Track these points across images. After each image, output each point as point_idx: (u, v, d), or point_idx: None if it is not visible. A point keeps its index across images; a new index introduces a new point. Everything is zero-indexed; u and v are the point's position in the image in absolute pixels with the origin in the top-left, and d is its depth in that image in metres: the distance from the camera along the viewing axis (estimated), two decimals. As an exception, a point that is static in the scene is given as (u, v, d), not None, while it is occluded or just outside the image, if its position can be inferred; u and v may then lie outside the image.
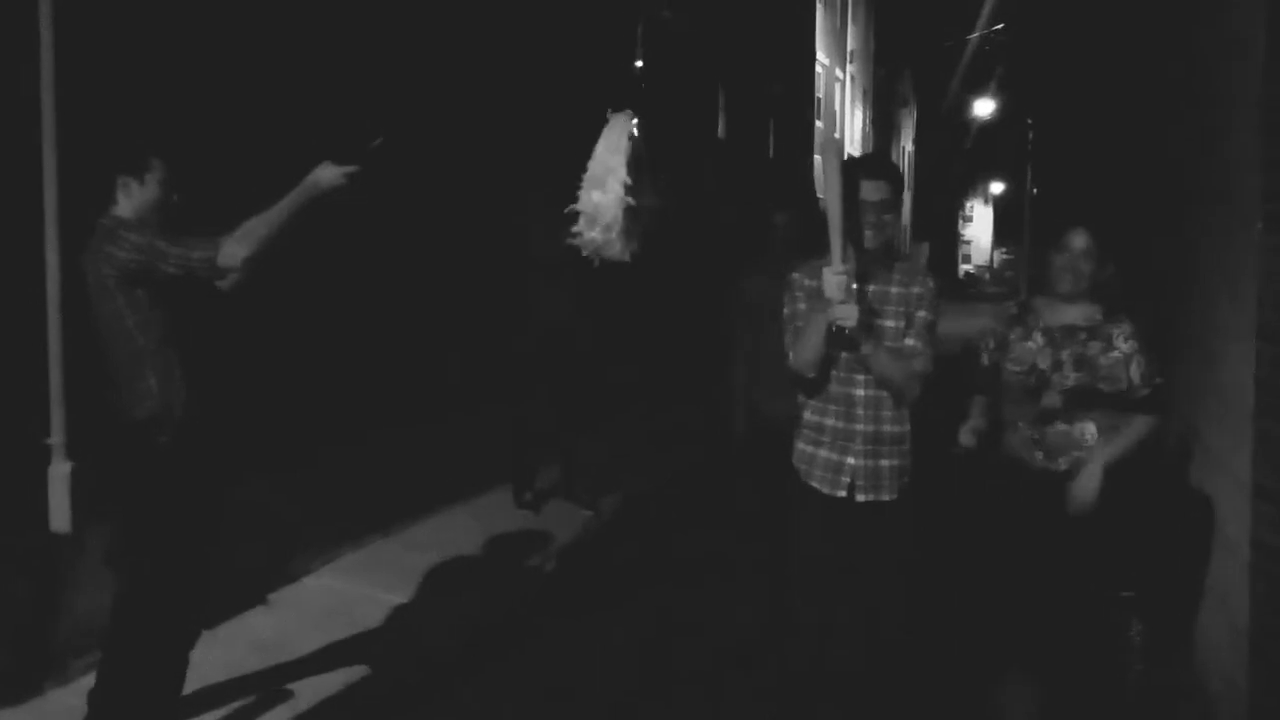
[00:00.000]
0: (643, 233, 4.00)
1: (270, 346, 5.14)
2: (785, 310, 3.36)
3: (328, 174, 3.16)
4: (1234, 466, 3.66)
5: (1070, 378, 3.43)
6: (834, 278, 3.02)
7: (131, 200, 3.31)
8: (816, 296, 3.16)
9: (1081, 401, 3.43)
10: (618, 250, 3.94)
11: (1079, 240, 3.48)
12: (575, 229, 3.94)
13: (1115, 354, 3.43)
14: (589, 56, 9.12)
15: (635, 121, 3.86)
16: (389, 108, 6.07)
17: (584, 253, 3.97)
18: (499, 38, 7.53)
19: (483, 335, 7.13)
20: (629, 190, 3.82)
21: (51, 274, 3.95)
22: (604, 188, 3.80)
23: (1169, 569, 4.82)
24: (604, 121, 3.93)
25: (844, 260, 3.03)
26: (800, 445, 3.42)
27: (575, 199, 3.94)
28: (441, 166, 6.71)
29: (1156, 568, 5.14)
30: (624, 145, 3.82)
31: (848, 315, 3.03)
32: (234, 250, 3.11)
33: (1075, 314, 3.50)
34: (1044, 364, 3.47)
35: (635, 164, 3.91)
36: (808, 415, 3.39)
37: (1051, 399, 3.44)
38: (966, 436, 3.69)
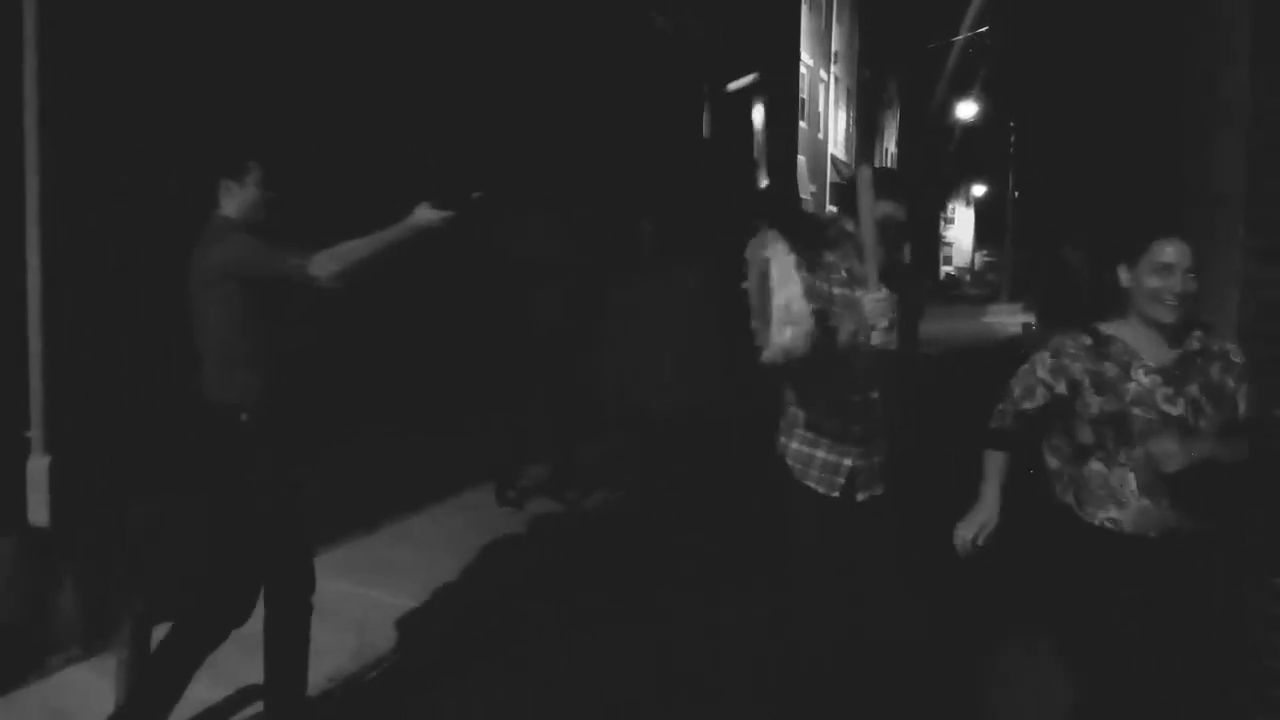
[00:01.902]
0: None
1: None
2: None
3: (426, 215, 3.36)
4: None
5: (1213, 416, 2.84)
6: (876, 304, 3.02)
7: (234, 201, 3.50)
8: (848, 305, 3.18)
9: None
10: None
11: (1182, 254, 2.86)
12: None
13: (1234, 373, 2.90)
14: (582, 56, 9.13)
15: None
16: (402, 115, 6.06)
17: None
18: (494, 38, 7.52)
19: (469, 333, 7.13)
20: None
21: (32, 269, 3.93)
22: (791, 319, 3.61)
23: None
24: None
25: (878, 283, 3.05)
26: (795, 445, 3.40)
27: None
28: (436, 166, 6.69)
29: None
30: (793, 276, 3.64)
31: (887, 341, 3.05)
32: (326, 264, 3.28)
33: (1176, 339, 2.91)
34: (1175, 408, 2.83)
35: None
36: (802, 415, 3.38)
37: (1200, 447, 2.75)
38: (973, 533, 3.08)
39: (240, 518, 3.46)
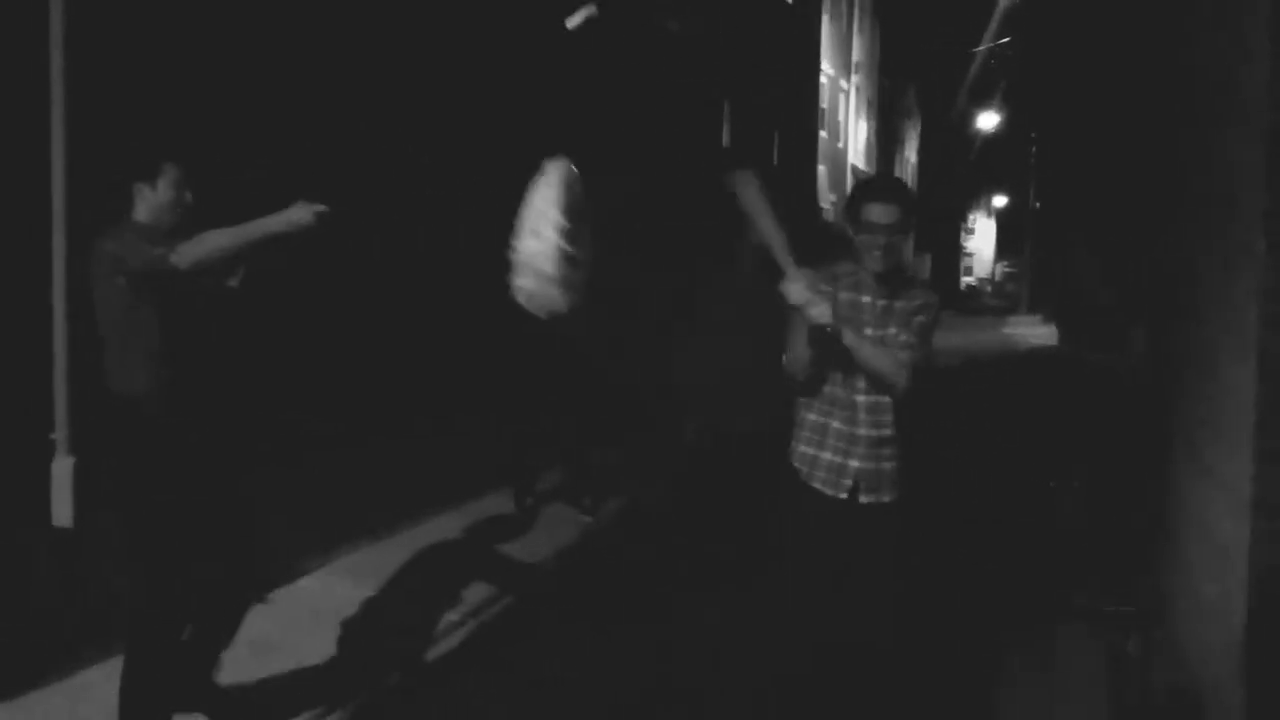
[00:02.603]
0: (584, 283, 3.92)
1: (270, 347, 5.15)
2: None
3: (298, 213, 3.27)
4: (1231, 482, 3.68)
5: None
6: (793, 286, 3.08)
7: (146, 204, 3.46)
8: (848, 307, 3.25)
9: None
10: (555, 300, 3.87)
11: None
12: (512, 280, 3.86)
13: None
14: (606, 69, 9.16)
15: (571, 169, 3.81)
16: (389, 115, 6.10)
17: (519, 300, 3.89)
18: (495, 37, 7.56)
19: (486, 338, 7.15)
20: (566, 237, 3.76)
21: (58, 273, 3.98)
22: (539, 236, 3.74)
23: (1167, 580, 4.83)
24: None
25: (794, 267, 3.10)
26: (801, 447, 3.42)
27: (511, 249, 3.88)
28: (445, 169, 6.73)
29: (1154, 579, 5.15)
30: (560, 194, 3.77)
31: (822, 312, 3.07)
32: (186, 253, 3.25)
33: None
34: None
35: (574, 212, 3.85)
36: (810, 417, 3.40)
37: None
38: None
39: (142, 508, 3.43)
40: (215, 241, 3.28)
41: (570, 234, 3.79)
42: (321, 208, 3.26)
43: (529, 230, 3.74)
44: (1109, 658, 4.55)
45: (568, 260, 3.79)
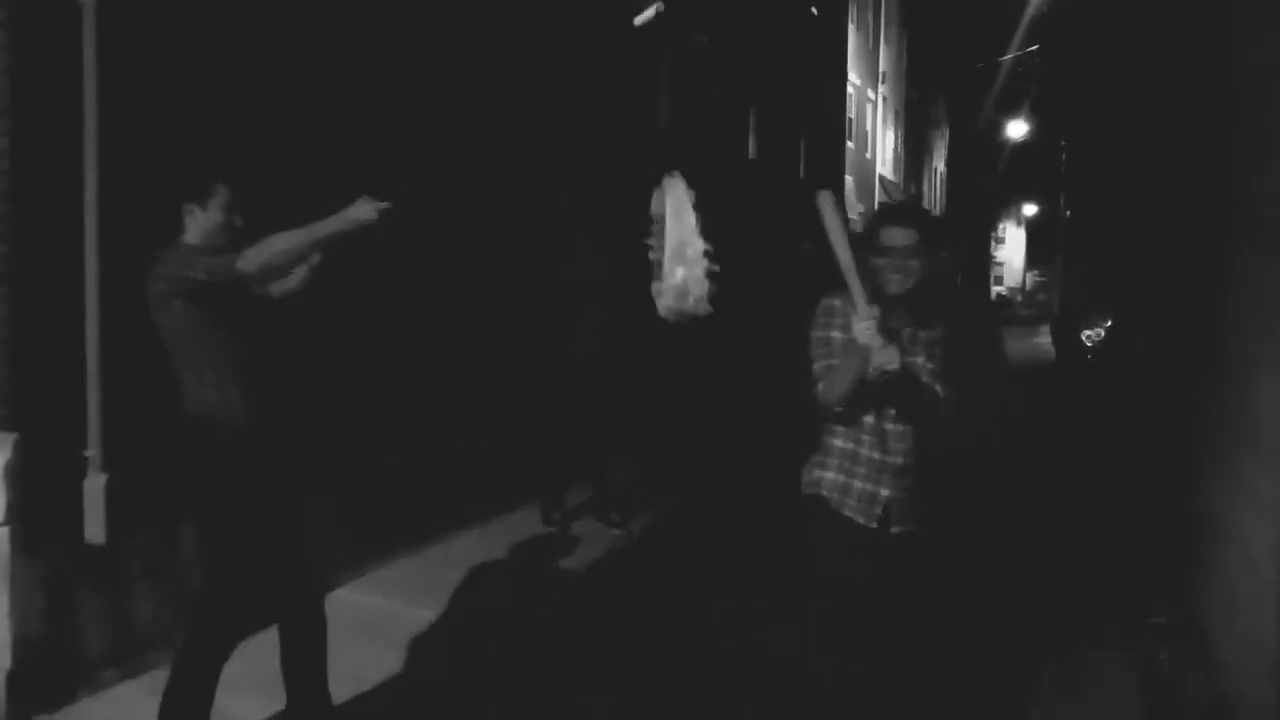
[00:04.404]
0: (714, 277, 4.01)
1: (303, 361, 5.19)
2: (818, 335, 3.29)
3: (363, 210, 3.28)
4: (1265, 494, 3.63)
5: None
6: (863, 325, 2.98)
7: (197, 225, 3.49)
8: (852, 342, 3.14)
9: None
10: (702, 308, 3.95)
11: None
12: (664, 303, 3.94)
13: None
14: (632, 79, 9.19)
15: (682, 180, 3.85)
16: (441, 130, 6.14)
17: (670, 320, 3.97)
18: (532, 50, 7.59)
19: (516, 353, 7.17)
20: (708, 257, 3.83)
21: (90, 288, 4.02)
22: (686, 262, 3.80)
23: (1201, 594, 4.77)
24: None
25: (865, 304, 3.01)
26: (830, 474, 3.33)
27: (655, 273, 3.94)
28: (484, 185, 6.76)
29: (1186, 593, 5.09)
30: (691, 215, 3.80)
31: (890, 359, 2.99)
32: (253, 257, 3.28)
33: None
34: None
35: (699, 228, 3.92)
36: (839, 444, 3.32)
37: None
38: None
39: (218, 532, 3.48)
40: (281, 244, 3.30)
41: (711, 253, 3.87)
42: (384, 205, 3.28)
43: (675, 256, 3.80)
44: (1143, 671, 4.50)
45: (712, 277, 3.89)
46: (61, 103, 3.97)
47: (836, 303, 3.27)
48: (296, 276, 3.81)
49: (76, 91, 3.99)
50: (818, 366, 3.25)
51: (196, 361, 3.40)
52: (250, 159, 4.61)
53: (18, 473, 3.85)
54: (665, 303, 3.83)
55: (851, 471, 3.29)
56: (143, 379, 4.25)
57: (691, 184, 4.09)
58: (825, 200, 3.10)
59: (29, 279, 3.92)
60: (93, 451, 4.06)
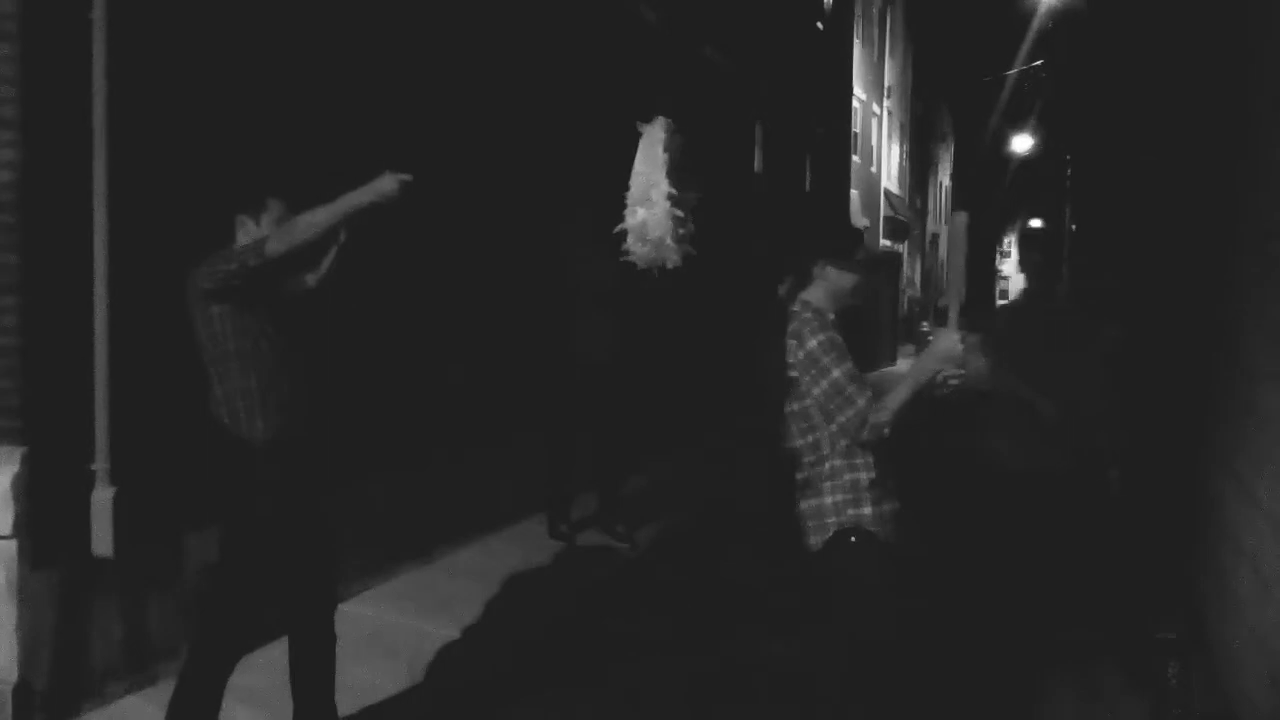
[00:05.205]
0: (692, 234, 3.97)
1: (331, 367, 5.20)
2: (848, 369, 3.19)
3: (386, 182, 3.31)
4: (1274, 510, 3.62)
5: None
6: (950, 342, 3.07)
7: (249, 237, 3.53)
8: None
9: None
10: (671, 257, 3.92)
11: None
12: (625, 246, 3.95)
13: None
14: (630, 81, 9.19)
15: (668, 126, 3.85)
16: (438, 132, 6.15)
17: (639, 266, 3.96)
18: (541, 63, 7.61)
19: (520, 363, 7.17)
20: (673, 200, 3.81)
21: (99, 300, 4.02)
22: (649, 203, 3.79)
23: (1209, 609, 4.75)
24: (637, 135, 3.92)
25: (952, 328, 3.09)
26: (868, 509, 3.22)
27: (621, 219, 3.93)
28: (483, 190, 6.76)
29: (1195, 609, 5.07)
30: (661, 156, 3.80)
31: (976, 369, 3.07)
32: (280, 235, 3.34)
33: None
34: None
35: (675, 170, 3.90)
36: (862, 476, 3.23)
37: None
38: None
39: (243, 541, 3.48)
40: (308, 221, 3.33)
41: (677, 193, 3.83)
42: (407, 177, 3.31)
43: (639, 198, 3.78)
44: (1150, 685, 4.48)
45: (677, 221, 3.85)
46: (71, 114, 3.98)
47: (831, 318, 3.27)
48: (327, 261, 3.86)
49: (86, 102, 4.00)
50: (862, 402, 3.14)
51: (231, 367, 3.42)
52: (263, 167, 4.61)
53: (26, 485, 3.85)
54: (628, 246, 3.81)
55: (879, 499, 3.24)
56: (152, 392, 4.26)
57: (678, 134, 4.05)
58: (958, 220, 3.16)
59: (37, 290, 3.93)
60: (100, 464, 4.06)
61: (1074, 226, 29.50)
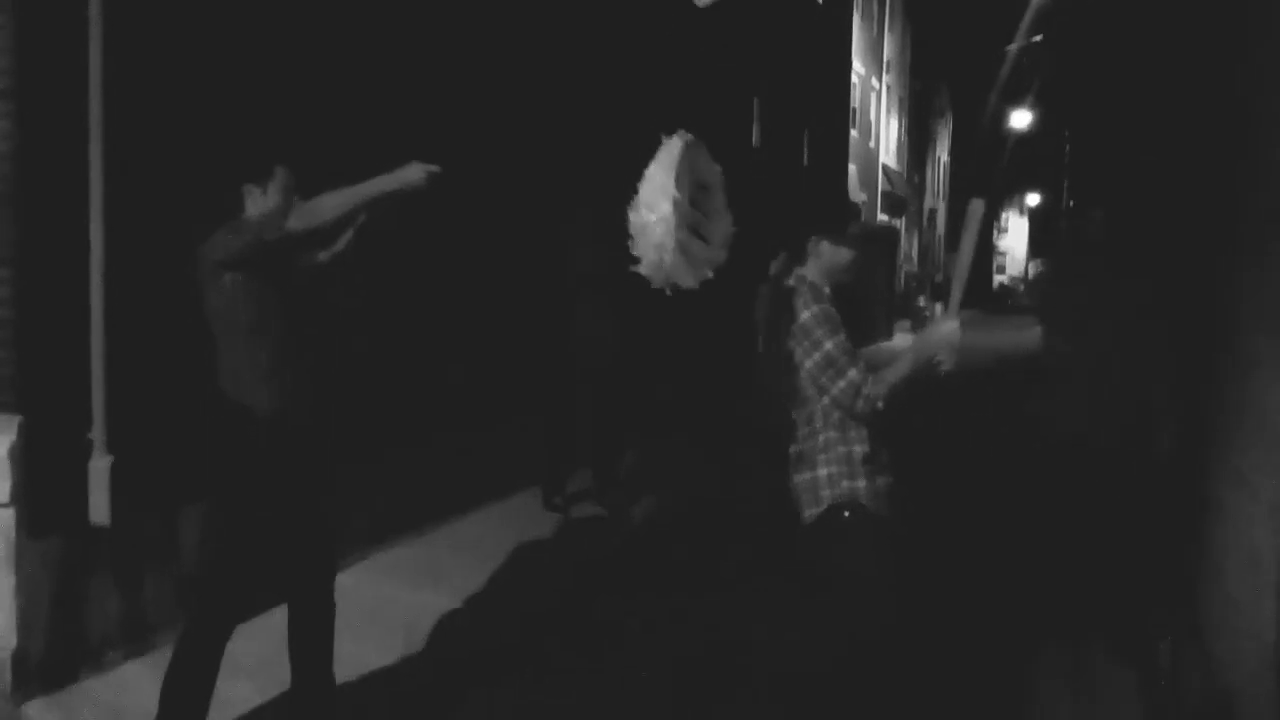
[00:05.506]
0: (713, 260, 3.81)
1: (339, 343, 5.20)
2: (840, 340, 3.23)
3: (412, 171, 3.28)
4: (1265, 491, 3.64)
5: None
6: (950, 329, 3.11)
7: (256, 207, 3.53)
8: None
9: None
10: (680, 275, 3.76)
11: None
12: (634, 253, 3.81)
13: None
14: (635, 71, 9.17)
15: (692, 140, 3.73)
16: (443, 123, 6.13)
17: (653, 284, 3.81)
18: (544, 53, 7.58)
19: (518, 341, 7.18)
20: (680, 210, 3.67)
21: (95, 270, 4.03)
22: (653, 209, 3.67)
23: (1198, 588, 4.79)
24: (654, 139, 3.79)
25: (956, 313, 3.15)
26: (863, 482, 3.25)
27: (625, 216, 3.82)
28: (485, 177, 6.75)
29: (1185, 586, 5.11)
30: (679, 167, 3.67)
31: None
32: (302, 213, 3.30)
33: None
34: None
35: (698, 185, 3.78)
36: (856, 449, 3.26)
37: None
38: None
39: (244, 510, 3.47)
40: (333, 202, 3.30)
41: (688, 210, 3.70)
42: (434, 168, 3.28)
43: (643, 204, 3.67)
44: (1142, 670, 4.51)
45: (691, 234, 3.72)
46: (67, 86, 3.97)
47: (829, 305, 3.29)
48: (344, 240, 3.85)
49: (83, 72, 3.99)
50: (854, 373, 3.18)
51: (240, 337, 3.39)
52: (262, 139, 4.61)
53: (22, 454, 3.87)
54: (633, 251, 3.68)
55: (873, 473, 3.27)
56: (148, 361, 4.27)
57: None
58: (975, 208, 3.19)
59: (34, 261, 3.93)
60: (97, 434, 4.07)
61: (1071, 202, 29.43)
